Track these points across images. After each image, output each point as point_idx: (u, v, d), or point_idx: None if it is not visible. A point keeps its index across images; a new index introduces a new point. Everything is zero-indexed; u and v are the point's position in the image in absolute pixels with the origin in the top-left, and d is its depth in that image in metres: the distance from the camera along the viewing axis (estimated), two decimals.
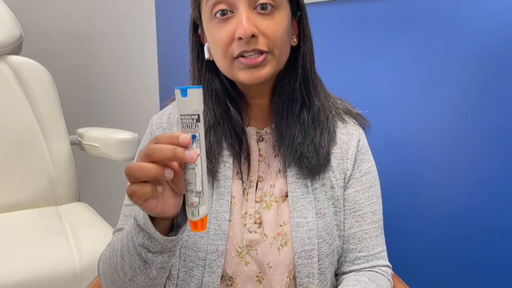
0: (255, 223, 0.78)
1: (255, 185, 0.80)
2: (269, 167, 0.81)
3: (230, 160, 0.79)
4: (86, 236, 1.36)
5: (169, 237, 0.62)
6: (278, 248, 0.77)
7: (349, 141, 0.83)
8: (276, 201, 0.79)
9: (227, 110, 0.78)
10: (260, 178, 0.80)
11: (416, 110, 1.17)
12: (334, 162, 0.81)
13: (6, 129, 1.62)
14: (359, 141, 0.84)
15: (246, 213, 0.79)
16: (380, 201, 0.85)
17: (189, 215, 0.55)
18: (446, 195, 1.15)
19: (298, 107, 0.78)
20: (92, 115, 2.18)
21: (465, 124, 1.09)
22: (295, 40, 0.77)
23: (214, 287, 0.76)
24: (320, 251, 0.78)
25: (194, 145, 0.52)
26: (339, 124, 0.84)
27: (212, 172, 0.78)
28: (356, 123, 0.86)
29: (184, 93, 0.51)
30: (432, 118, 1.15)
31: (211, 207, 0.77)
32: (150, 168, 0.52)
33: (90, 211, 1.59)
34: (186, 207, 0.55)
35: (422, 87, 1.15)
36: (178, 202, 0.60)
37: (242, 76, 0.71)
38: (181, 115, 0.52)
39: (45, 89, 1.72)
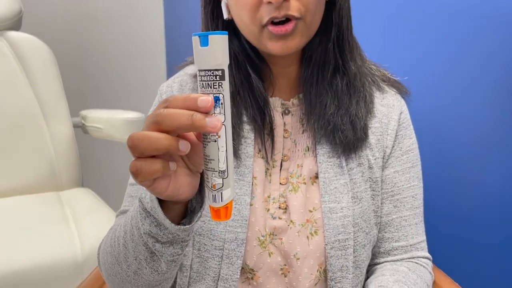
0: (279, 208, 0.69)
1: (279, 164, 0.71)
2: (295, 144, 0.71)
3: (251, 135, 0.70)
4: (89, 223, 1.28)
5: (182, 226, 0.50)
6: (307, 237, 0.67)
7: (390, 114, 0.73)
8: (305, 183, 0.69)
9: (247, 76, 0.68)
10: (285, 157, 0.71)
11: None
12: (372, 138, 0.71)
13: (4, 110, 1.53)
14: (400, 113, 0.74)
15: (269, 197, 0.69)
16: (421, 184, 0.76)
17: (209, 201, 0.44)
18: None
19: (330, 72, 0.68)
20: (96, 97, 2.09)
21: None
22: None
23: (233, 280, 0.66)
24: (356, 241, 0.68)
25: (217, 110, 0.41)
26: (377, 93, 0.74)
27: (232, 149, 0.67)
28: (397, 92, 0.76)
29: (204, 41, 0.40)
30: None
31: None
32: (160, 138, 0.41)
33: (93, 197, 1.50)
34: (206, 189, 0.44)
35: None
36: (194, 183, 0.48)
37: (272, 47, 0.62)
38: (200, 70, 0.41)
39: (46, 67, 1.62)
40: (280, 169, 0.70)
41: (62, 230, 1.24)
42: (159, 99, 0.76)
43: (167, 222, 0.49)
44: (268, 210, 0.69)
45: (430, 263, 0.76)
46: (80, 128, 1.73)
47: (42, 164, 1.55)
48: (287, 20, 0.60)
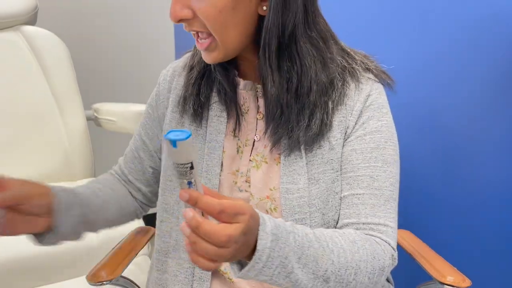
0: (246, 181, 0.75)
1: (252, 144, 0.76)
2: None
3: (224, 114, 0.76)
4: None
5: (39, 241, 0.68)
6: (267, 211, 0.73)
7: (357, 97, 0.73)
8: (266, 162, 0.74)
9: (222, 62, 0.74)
10: (257, 137, 0.76)
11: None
12: (335, 119, 0.72)
13: (20, 101, 1.58)
14: (368, 96, 0.74)
15: (238, 171, 0.76)
16: (391, 170, 0.72)
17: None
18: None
19: (285, 86, 0.69)
20: (107, 91, 2.13)
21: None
22: (265, 9, 0.65)
23: None
24: (312, 221, 0.71)
25: (192, 188, 0.52)
26: (352, 84, 0.74)
27: (203, 122, 0.76)
28: (374, 78, 0.76)
29: (174, 144, 0.48)
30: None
31: (203, 161, 0.76)
32: None
33: None
34: None
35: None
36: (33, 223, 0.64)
37: (202, 56, 0.71)
38: (174, 163, 0.50)
39: (61, 61, 1.67)
40: (252, 148, 0.76)
41: None
42: (158, 80, 0.85)
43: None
44: (236, 183, 0.75)
45: (388, 247, 0.69)
46: (93, 121, 1.78)
47: (57, 155, 1.60)
48: (207, 35, 0.66)
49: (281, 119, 0.70)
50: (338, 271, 0.62)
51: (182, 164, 0.49)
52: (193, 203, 0.49)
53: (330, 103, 0.71)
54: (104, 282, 0.80)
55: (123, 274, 0.86)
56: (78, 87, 1.70)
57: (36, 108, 1.59)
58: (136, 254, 0.92)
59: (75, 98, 1.67)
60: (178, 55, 2.14)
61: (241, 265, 0.57)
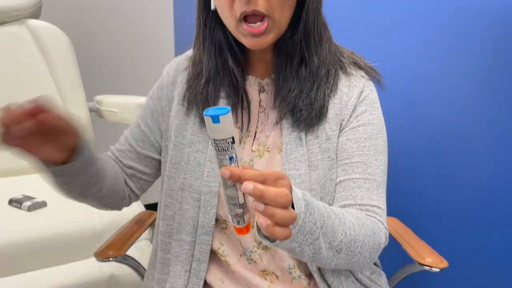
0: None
1: (253, 135, 0.81)
2: (267, 118, 0.81)
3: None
4: None
5: (52, 168, 0.68)
6: None
7: (351, 93, 0.80)
8: (269, 151, 0.80)
9: (226, 61, 0.79)
10: (259, 129, 0.81)
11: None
12: (331, 113, 0.79)
13: (25, 93, 1.62)
14: (361, 92, 0.81)
15: (241, 160, 0.80)
16: (382, 158, 0.78)
17: (234, 224, 0.57)
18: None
19: (297, 62, 0.77)
20: (110, 83, 2.18)
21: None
22: None
23: (210, 227, 0.78)
24: None
25: (233, 164, 0.52)
26: (343, 77, 0.82)
27: None
28: (364, 76, 0.83)
29: (215, 120, 0.49)
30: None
31: (207, 151, 0.79)
32: None
33: None
34: (230, 217, 0.57)
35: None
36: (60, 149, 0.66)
37: (246, 42, 0.72)
38: (215, 140, 0.51)
39: (64, 54, 1.72)
40: (254, 139, 0.81)
41: (82, 203, 1.34)
42: (162, 75, 0.88)
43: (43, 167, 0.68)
44: None
45: (382, 227, 0.74)
46: (95, 113, 1.84)
47: None
48: (256, 15, 0.69)
49: (289, 93, 0.77)
50: (349, 243, 0.66)
51: (224, 139, 0.50)
52: (236, 179, 0.50)
53: (326, 88, 0.79)
54: (111, 259, 0.86)
55: (127, 256, 0.92)
56: (81, 79, 1.75)
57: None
58: (140, 235, 0.98)
59: (78, 90, 1.72)
60: (177, 48, 2.19)
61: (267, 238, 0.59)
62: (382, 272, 0.88)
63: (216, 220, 0.79)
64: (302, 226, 0.57)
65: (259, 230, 0.57)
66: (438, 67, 1.16)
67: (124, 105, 1.64)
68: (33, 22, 1.70)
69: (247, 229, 0.58)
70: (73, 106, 1.69)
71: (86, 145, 0.70)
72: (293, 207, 0.55)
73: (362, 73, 0.83)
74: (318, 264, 0.69)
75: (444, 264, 0.87)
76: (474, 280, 1.15)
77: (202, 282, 0.78)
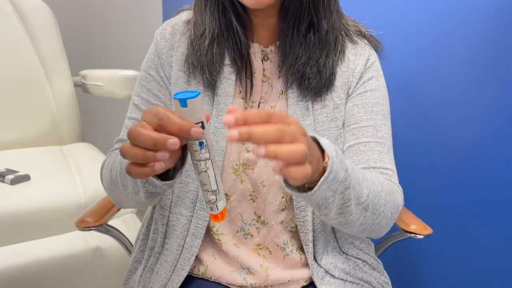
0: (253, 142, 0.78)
1: (257, 106, 0.78)
2: (272, 88, 0.78)
3: (233, 77, 0.77)
4: (90, 171, 1.37)
5: (166, 182, 0.60)
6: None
7: (357, 61, 0.79)
8: None
9: (230, 22, 0.75)
10: (262, 99, 0.78)
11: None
12: (338, 81, 0.78)
13: (7, 66, 1.60)
14: (367, 60, 0.80)
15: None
16: (388, 123, 0.79)
17: (208, 210, 0.57)
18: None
19: (304, 27, 0.75)
20: (94, 58, 2.15)
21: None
22: None
23: None
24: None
25: (203, 150, 0.51)
26: (349, 45, 0.81)
27: (212, 85, 0.75)
28: (368, 44, 0.82)
29: (183, 104, 0.48)
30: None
31: (210, 123, 0.75)
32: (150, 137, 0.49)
33: (94, 150, 1.59)
34: (205, 203, 0.57)
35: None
36: (175, 157, 0.57)
37: (247, 1, 0.69)
38: None
39: (47, 27, 1.69)
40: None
41: (66, 177, 1.33)
42: (155, 41, 0.82)
43: (154, 181, 0.60)
44: (244, 143, 0.75)
45: (399, 189, 0.74)
46: (80, 88, 1.81)
47: (45, 118, 1.63)
48: None
49: (296, 60, 0.74)
50: (374, 199, 0.65)
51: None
52: (242, 122, 0.46)
53: (334, 56, 0.77)
54: (92, 228, 0.84)
55: (110, 226, 0.91)
56: (66, 54, 1.71)
57: (23, 74, 1.61)
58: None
59: (61, 63, 1.69)
60: (165, 19, 2.14)
61: (298, 190, 0.56)
62: (371, 242, 0.88)
63: None
64: (337, 173, 0.55)
65: (286, 182, 0.55)
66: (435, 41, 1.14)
67: (109, 78, 1.62)
68: None
69: (221, 216, 0.57)
70: (58, 79, 1.67)
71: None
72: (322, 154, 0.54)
73: (366, 41, 0.82)
74: (343, 227, 0.66)
75: (428, 231, 0.87)
76: (458, 247, 1.16)
77: (193, 258, 0.77)
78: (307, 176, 0.48)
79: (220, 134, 0.76)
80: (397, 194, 0.72)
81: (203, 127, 0.50)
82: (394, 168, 0.77)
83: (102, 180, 0.79)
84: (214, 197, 0.55)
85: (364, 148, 0.75)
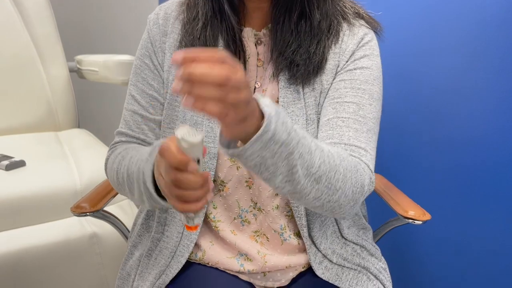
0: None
1: (253, 91, 0.77)
2: (265, 71, 0.78)
3: None
4: (86, 157, 1.36)
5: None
6: None
7: (349, 40, 0.77)
8: None
9: (222, 7, 0.74)
10: (258, 84, 0.77)
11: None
12: (330, 63, 0.76)
13: (1, 52, 1.57)
14: (361, 39, 0.78)
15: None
16: (376, 105, 0.75)
17: (183, 221, 0.61)
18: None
19: (296, 15, 0.74)
20: (89, 43, 2.12)
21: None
22: None
23: None
24: None
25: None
26: (345, 26, 0.79)
27: None
28: (365, 25, 0.80)
29: (184, 143, 0.52)
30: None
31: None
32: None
33: (90, 136, 1.58)
34: (182, 215, 0.60)
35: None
36: None
37: None
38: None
39: (41, 10, 1.66)
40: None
41: (62, 163, 1.31)
42: (147, 27, 0.81)
43: (158, 201, 0.64)
44: None
45: (367, 169, 0.69)
46: (76, 73, 1.78)
47: (40, 104, 1.61)
48: None
49: (286, 47, 0.73)
50: (329, 172, 0.61)
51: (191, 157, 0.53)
52: (190, 60, 0.45)
53: (327, 39, 0.76)
54: (88, 214, 0.84)
55: (107, 212, 0.90)
56: (61, 40, 1.69)
57: (17, 59, 1.59)
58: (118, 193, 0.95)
59: (56, 48, 1.66)
60: (161, 2, 2.11)
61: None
62: (369, 227, 0.87)
63: (214, 181, 0.77)
64: (275, 134, 0.52)
65: (221, 135, 0.55)
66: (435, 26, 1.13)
67: (104, 63, 1.59)
68: None
69: (195, 228, 0.62)
70: (52, 65, 1.64)
71: None
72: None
73: (363, 22, 0.80)
74: (295, 198, 0.63)
75: (427, 216, 0.87)
76: (456, 232, 1.16)
77: (192, 245, 0.77)
78: (224, 114, 0.47)
79: (214, 120, 0.75)
80: (363, 173, 0.67)
81: (198, 163, 0.54)
82: (370, 148, 0.72)
83: (107, 177, 0.80)
84: (192, 214, 0.59)
85: (341, 123, 0.72)
